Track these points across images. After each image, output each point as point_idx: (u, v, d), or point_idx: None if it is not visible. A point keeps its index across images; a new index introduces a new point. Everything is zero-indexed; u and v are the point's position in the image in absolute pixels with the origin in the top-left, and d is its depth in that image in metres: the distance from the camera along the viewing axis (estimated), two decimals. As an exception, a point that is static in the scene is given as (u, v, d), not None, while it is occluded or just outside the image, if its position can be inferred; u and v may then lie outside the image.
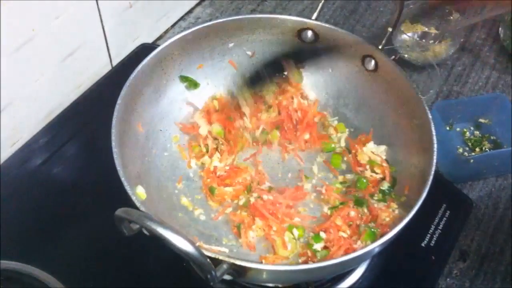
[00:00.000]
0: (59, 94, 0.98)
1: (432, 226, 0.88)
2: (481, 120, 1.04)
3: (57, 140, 0.96)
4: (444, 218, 0.88)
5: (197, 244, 0.70)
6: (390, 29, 0.82)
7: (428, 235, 0.87)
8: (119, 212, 0.60)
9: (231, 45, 0.91)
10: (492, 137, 1.02)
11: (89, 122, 0.97)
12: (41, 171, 0.92)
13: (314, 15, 0.89)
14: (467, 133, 1.04)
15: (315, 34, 0.89)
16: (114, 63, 1.07)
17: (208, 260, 0.60)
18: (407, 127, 0.82)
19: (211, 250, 0.64)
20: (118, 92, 0.78)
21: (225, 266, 0.63)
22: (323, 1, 0.87)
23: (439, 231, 0.87)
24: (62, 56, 0.95)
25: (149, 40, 1.13)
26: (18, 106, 0.90)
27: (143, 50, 0.97)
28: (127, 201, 0.68)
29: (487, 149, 1.01)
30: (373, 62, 0.86)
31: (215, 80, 0.92)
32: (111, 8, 0.99)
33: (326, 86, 0.93)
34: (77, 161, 0.95)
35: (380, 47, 0.84)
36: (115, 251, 0.82)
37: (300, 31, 0.90)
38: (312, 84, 0.94)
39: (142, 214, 0.61)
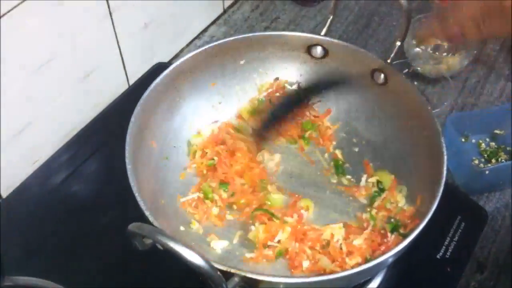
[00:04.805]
0: (78, 113, 1.01)
1: (448, 238, 0.87)
2: (497, 131, 1.03)
3: (77, 158, 0.97)
4: (459, 230, 0.88)
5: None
6: (398, 43, 0.83)
7: (444, 247, 0.86)
8: (132, 227, 0.62)
9: (242, 62, 0.92)
10: (508, 148, 1.02)
11: (108, 140, 0.99)
12: (62, 189, 0.93)
13: (323, 31, 0.90)
14: (483, 144, 1.03)
15: (325, 49, 0.91)
16: (131, 82, 1.09)
17: (219, 273, 0.61)
18: (417, 139, 0.83)
19: (222, 264, 0.65)
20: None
21: (236, 279, 0.64)
22: (331, 17, 0.88)
23: (454, 243, 0.86)
24: (80, 76, 0.97)
25: (165, 59, 1.15)
26: (38, 125, 0.92)
27: (159, 69, 0.98)
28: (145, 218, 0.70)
29: (503, 160, 1.00)
30: (382, 75, 0.87)
31: (228, 97, 0.94)
32: (127, 28, 1.01)
33: (336, 101, 0.94)
34: (97, 178, 0.96)
35: (389, 60, 0.85)
36: (133, 266, 0.84)
37: (310, 47, 0.91)
38: (323, 99, 0.95)
39: (154, 229, 0.62)
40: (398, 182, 0.85)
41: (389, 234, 0.79)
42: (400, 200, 0.83)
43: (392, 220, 0.81)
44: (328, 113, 0.94)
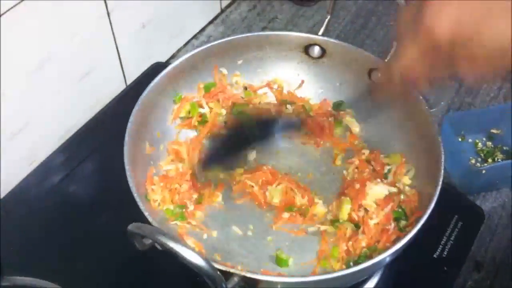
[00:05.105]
0: (75, 113, 1.00)
1: (444, 237, 0.87)
2: (494, 131, 1.04)
3: (74, 158, 0.97)
4: (456, 229, 0.88)
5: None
6: (395, 43, 0.83)
7: (440, 247, 0.86)
8: (132, 227, 0.62)
9: (239, 62, 0.92)
10: (505, 148, 1.02)
11: (105, 140, 0.99)
12: (59, 189, 0.93)
13: (321, 31, 0.90)
14: (480, 144, 1.03)
15: (322, 49, 0.91)
16: (128, 82, 1.09)
17: (219, 273, 0.61)
18: (415, 138, 0.83)
19: (222, 263, 0.65)
20: (132, 110, 0.80)
21: (236, 279, 0.64)
22: (329, 16, 0.89)
23: (451, 242, 0.87)
24: (78, 76, 0.97)
25: (163, 59, 1.15)
26: (35, 126, 0.92)
27: (157, 69, 0.99)
28: (143, 218, 0.70)
29: (499, 160, 1.00)
30: (379, 75, 0.87)
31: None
32: (124, 29, 1.01)
33: (334, 100, 0.94)
34: (94, 178, 0.96)
35: (386, 60, 0.85)
36: (130, 266, 0.84)
37: (307, 47, 0.92)
38: (320, 98, 0.95)
39: (153, 229, 0.63)
40: (407, 162, 0.85)
41: (392, 223, 0.79)
42: (406, 182, 0.83)
43: (399, 209, 0.80)
44: (325, 112, 0.94)
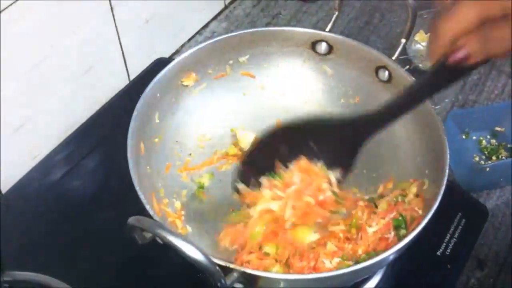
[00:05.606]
0: (78, 108, 1.00)
1: (448, 235, 0.87)
2: (498, 129, 1.04)
3: (77, 153, 0.97)
4: (460, 227, 0.88)
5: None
6: (403, 40, 0.82)
7: (444, 244, 0.86)
8: (132, 220, 0.61)
9: (245, 57, 0.92)
10: (508, 145, 1.02)
11: (108, 135, 0.99)
12: (61, 184, 0.93)
13: (328, 27, 0.89)
14: (484, 141, 1.03)
15: (329, 45, 0.90)
16: (131, 77, 1.09)
17: (218, 268, 0.60)
18: (420, 137, 0.82)
19: (221, 259, 0.64)
20: (135, 105, 0.80)
21: (235, 274, 0.63)
22: (336, 13, 0.88)
23: (455, 240, 0.86)
24: (80, 71, 0.97)
25: (166, 54, 1.14)
26: (38, 120, 0.92)
27: (160, 64, 0.99)
28: (146, 213, 0.69)
29: (503, 158, 1.00)
30: (386, 73, 0.86)
31: (231, 92, 0.94)
32: (128, 24, 1.01)
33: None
34: (97, 174, 0.96)
35: (394, 58, 0.84)
36: (132, 262, 0.84)
37: (314, 43, 0.90)
38: (326, 96, 0.94)
39: (153, 223, 0.62)
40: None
41: (391, 232, 0.77)
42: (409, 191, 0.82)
43: (400, 217, 0.78)
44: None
